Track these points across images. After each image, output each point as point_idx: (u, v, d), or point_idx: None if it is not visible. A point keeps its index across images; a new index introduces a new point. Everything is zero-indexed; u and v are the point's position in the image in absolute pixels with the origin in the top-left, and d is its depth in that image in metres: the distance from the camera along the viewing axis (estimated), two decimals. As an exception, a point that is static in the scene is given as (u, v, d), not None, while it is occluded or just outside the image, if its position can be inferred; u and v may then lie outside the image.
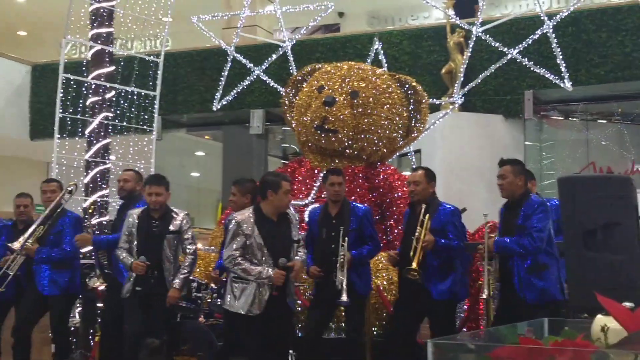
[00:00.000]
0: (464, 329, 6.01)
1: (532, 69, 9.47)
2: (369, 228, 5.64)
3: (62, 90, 8.83)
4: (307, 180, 7.28)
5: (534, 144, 11.59)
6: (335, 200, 5.67)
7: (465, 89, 9.82)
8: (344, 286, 5.20)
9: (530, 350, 1.80)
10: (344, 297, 5.19)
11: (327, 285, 5.37)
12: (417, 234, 5.23)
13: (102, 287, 6.27)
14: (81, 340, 6.78)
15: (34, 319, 6.28)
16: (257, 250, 4.92)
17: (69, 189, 6.46)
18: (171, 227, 5.65)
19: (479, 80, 9.75)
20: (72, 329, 7.09)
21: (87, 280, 6.40)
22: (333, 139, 7.03)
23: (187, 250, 5.66)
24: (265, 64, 10.64)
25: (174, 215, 5.72)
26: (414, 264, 5.11)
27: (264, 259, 4.90)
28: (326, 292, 5.42)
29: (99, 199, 8.53)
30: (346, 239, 5.39)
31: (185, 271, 5.61)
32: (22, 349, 6.19)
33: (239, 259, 4.91)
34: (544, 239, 4.96)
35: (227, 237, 5.10)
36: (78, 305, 7.08)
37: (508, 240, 5.00)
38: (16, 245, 6.04)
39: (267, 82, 10.62)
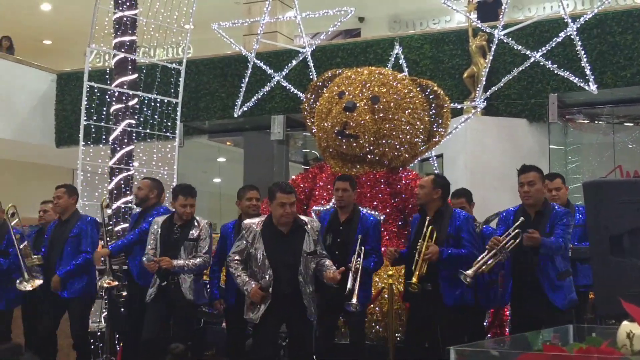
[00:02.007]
0: (489, 335, 5.95)
1: (556, 72, 9.37)
2: (373, 240, 5.52)
3: (86, 98, 8.92)
4: (329, 186, 7.25)
5: (559, 147, 11.47)
6: (342, 206, 5.62)
7: (488, 93, 9.74)
8: (355, 294, 5.12)
9: (554, 357, 1.76)
10: (354, 301, 5.11)
11: (334, 293, 5.29)
12: (418, 246, 5.16)
13: (114, 284, 6.24)
14: (106, 345, 6.83)
15: (56, 323, 6.38)
16: (260, 260, 4.92)
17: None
18: (190, 235, 5.69)
19: (502, 84, 9.67)
20: (98, 333, 7.15)
21: (97, 280, 6.38)
22: (354, 144, 7.00)
23: (200, 255, 5.69)
24: (285, 70, 10.65)
25: (195, 224, 5.75)
26: (414, 278, 5.05)
27: (266, 268, 4.90)
28: (335, 300, 5.32)
29: (123, 205, 8.59)
30: (363, 248, 5.32)
31: (190, 263, 5.60)
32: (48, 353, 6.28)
33: (236, 262, 5.02)
34: (568, 244, 5.00)
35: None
36: (104, 310, 7.14)
37: (550, 239, 4.94)
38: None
39: (288, 88, 10.63)
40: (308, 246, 4.98)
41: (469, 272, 4.89)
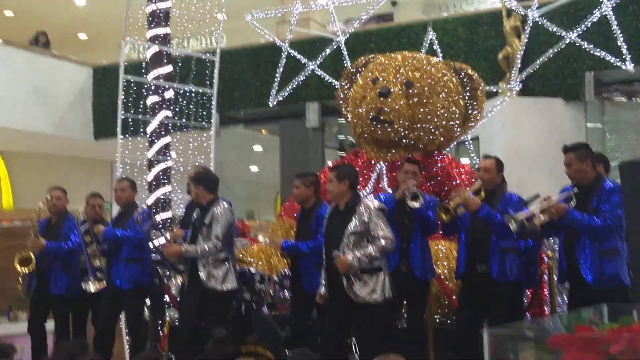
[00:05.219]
0: (528, 315, 5.96)
1: (592, 52, 9.24)
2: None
3: (123, 92, 9.07)
4: (365, 171, 7.30)
5: (596, 125, 11.33)
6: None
7: (524, 74, 9.65)
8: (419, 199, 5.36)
9: (585, 338, 1.80)
10: (416, 204, 5.34)
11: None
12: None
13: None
14: (151, 332, 7.00)
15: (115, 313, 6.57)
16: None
17: None
18: (205, 220, 5.65)
19: (538, 65, 9.58)
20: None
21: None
22: (389, 129, 7.02)
23: (210, 239, 5.59)
24: (319, 58, 10.67)
25: (213, 208, 5.68)
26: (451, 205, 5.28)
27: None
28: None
29: (162, 196, 8.75)
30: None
31: (199, 248, 5.55)
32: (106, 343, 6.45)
33: None
34: (617, 223, 4.83)
35: None
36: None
37: (579, 214, 4.88)
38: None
39: (322, 75, 10.65)
40: (352, 226, 5.00)
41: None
